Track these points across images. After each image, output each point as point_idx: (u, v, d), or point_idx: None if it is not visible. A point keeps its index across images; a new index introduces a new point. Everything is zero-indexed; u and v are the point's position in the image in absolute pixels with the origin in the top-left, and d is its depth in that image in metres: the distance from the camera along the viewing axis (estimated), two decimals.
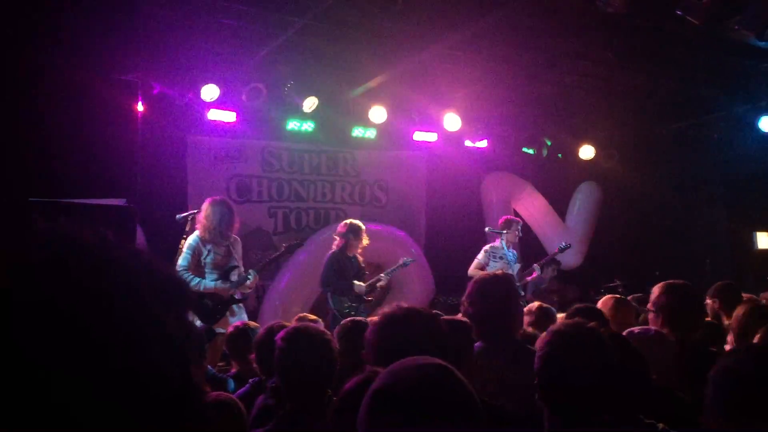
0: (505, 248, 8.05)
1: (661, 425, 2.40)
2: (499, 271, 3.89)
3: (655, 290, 3.66)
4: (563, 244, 8.84)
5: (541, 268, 8.59)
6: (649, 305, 3.74)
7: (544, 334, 2.28)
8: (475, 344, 3.34)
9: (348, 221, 7.37)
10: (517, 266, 8.17)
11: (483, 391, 2.67)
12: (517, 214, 10.69)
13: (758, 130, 9.22)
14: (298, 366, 2.70)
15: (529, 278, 8.38)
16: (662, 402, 2.59)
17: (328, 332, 3.44)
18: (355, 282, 7.10)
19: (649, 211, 11.21)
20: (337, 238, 7.26)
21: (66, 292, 0.57)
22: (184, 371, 0.61)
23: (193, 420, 0.61)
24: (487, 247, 8.22)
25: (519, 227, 8.31)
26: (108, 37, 6.28)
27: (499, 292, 3.32)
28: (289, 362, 2.73)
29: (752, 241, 9.51)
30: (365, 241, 7.29)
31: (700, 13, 5.56)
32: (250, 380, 3.70)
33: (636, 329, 3.14)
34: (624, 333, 3.07)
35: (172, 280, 0.66)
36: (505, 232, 8.11)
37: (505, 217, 8.49)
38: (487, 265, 8.10)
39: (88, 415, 0.54)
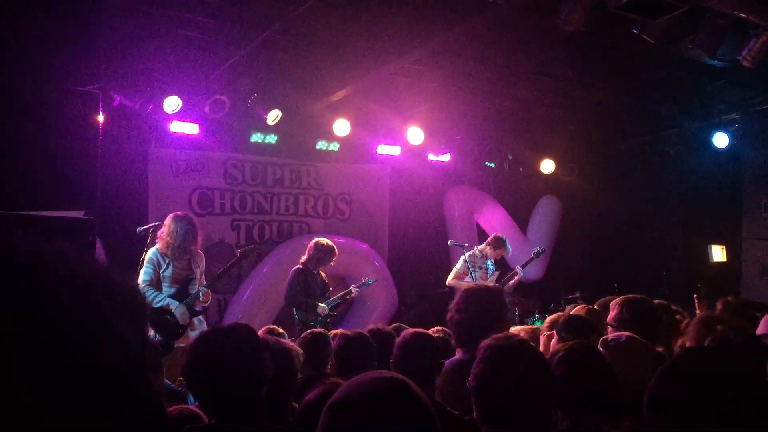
0: (480, 258, 8.23)
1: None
2: (489, 284, 3.96)
3: (614, 306, 3.73)
4: (539, 248, 8.95)
5: (522, 273, 8.64)
6: (609, 320, 3.80)
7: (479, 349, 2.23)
8: (456, 355, 3.36)
9: (321, 241, 7.29)
10: (495, 274, 8.28)
11: (460, 404, 2.68)
12: (479, 227, 10.82)
13: (712, 146, 9.49)
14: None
15: (512, 282, 8.42)
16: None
17: (290, 343, 3.44)
18: (319, 304, 7.08)
19: (607, 225, 11.43)
20: (305, 255, 7.22)
21: (21, 301, 0.58)
22: (143, 378, 0.62)
23: (154, 425, 0.62)
24: (465, 256, 8.27)
25: (507, 248, 8.44)
26: (68, 48, 6.20)
27: (489, 304, 3.36)
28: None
29: (707, 254, 9.75)
30: (332, 264, 7.27)
31: (655, 33, 5.72)
32: None
33: (609, 336, 3.17)
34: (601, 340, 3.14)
35: (129, 290, 0.67)
36: (488, 247, 8.26)
37: (496, 235, 8.56)
38: (466, 274, 8.19)
39: (43, 418, 0.55)
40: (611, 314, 3.76)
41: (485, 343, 2.22)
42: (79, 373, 0.57)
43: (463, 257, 8.30)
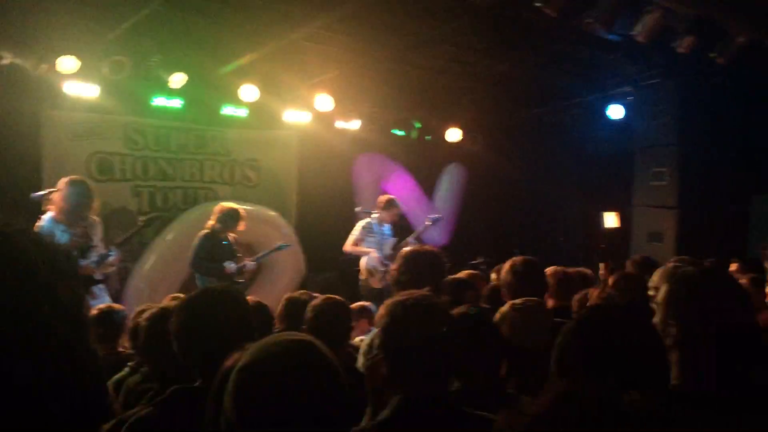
0: (377, 225, 8.31)
1: (525, 398, 2.55)
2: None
3: (505, 266, 3.92)
4: (434, 216, 9.15)
5: (416, 241, 8.81)
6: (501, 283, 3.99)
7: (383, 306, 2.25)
8: None
9: (227, 206, 7.18)
10: (391, 240, 8.40)
11: None
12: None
13: (607, 117, 9.94)
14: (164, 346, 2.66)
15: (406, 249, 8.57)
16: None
17: None
18: (226, 264, 6.98)
19: (510, 192, 11.82)
20: (212, 220, 7.10)
21: None
22: (83, 339, 0.63)
23: (93, 380, 0.64)
24: (363, 223, 8.40)
25: (398, 208, 8.53)
26: None
27: (429, 266, 3.50)
28: (154, 343, 2.68)
29: (601, 220, 10.26)
30: (241, 228, 7.18)
31: (556, 6, 5.92)
32: (129, 364, 3.59)
33: (519, 300, 3.33)
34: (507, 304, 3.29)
35: (63, 256, 0.68)
36: (379, 211, 8.35)
37: (386, 197, 8.65)
38: (363, 240, 8.33)
39: None
40: (503, 277, 3.94)
41: (392, 299, 2.24)
42: (20, 336, 0.57)
43: (360, 224, 8.43)
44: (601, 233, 10.20)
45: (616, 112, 9.86)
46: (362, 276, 8.29)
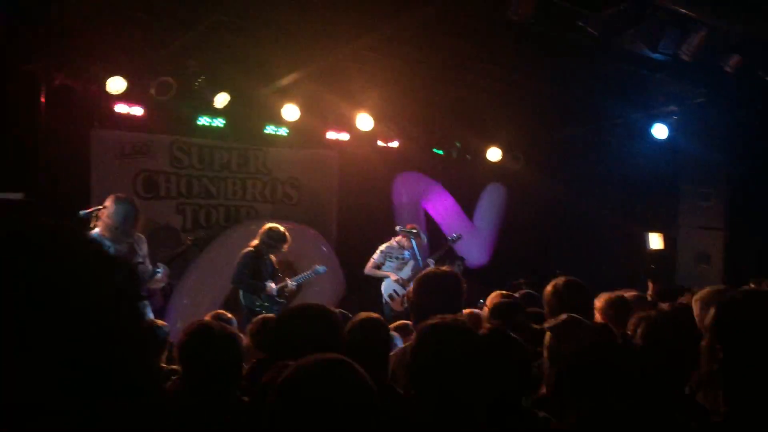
0: (397, 248, 8.37)
1: (542, 413, 2.52)
2: (446, 267, 4.05)
3: (547, 288, 3.86)
4: (454, 234, 9.11)
5: (436, 262, 8.73)
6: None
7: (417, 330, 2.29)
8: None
9: (272, 226, 7.27)
10: (411, 263, 8.39)
11: None
12: (426, 214, 10.94)
13: (651, 137, 9.78)
14: (199, 361, 2.70)
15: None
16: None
17: (233, 329, 3.44)
18: (267, 283, 7.08)
19: (551, 212, 11.68)
20: (257, 239, 7.19)
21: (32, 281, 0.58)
22: (146, 358, 0.62)
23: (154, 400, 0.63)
24: (383, 246, 8.46)
25: (422, 237, 8.54)
26: (9, 26, 6.00)
27: (444, 289, 3.47)
28: (190, 356, 2.72)
29: (645, 241, 10.07)
30: (283, 250, 7.27)
31: (599, 25, 5.87)
32: (173, 378, 3.64)
33: (561, 317, 3.27)
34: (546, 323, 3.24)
35: (125, 270, 0.67)
36: (403, 239, 8.40)
37: (410, 226, 8.68)
38: (383, 264, 8.38)
39: (49, 393, 0.55)
40: (544, 294, 3.88)
41: (423, 323, 2.27)
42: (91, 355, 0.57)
43: (380, 248, 8.47)
44: (645, 254, 10.00)
45: (660, 131, 9.70)
46: (384, 299, 8.36)
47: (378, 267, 8.45)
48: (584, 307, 3.82)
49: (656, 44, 6.18)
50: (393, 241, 8.50)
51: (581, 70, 8.29)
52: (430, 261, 8.55)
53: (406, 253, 8.47)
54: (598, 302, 4.10)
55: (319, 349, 2.20)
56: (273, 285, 7.13)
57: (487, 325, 3.26)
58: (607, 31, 5.97)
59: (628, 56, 7.36)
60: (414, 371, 2.17)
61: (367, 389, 1.54)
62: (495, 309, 3.85)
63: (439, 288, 3.50)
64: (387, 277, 8.31)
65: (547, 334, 3.14)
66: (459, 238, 9.09)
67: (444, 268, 4.08)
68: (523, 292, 4.90)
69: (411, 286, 3.72)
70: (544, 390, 2.98)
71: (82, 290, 0.60)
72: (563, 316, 3.19)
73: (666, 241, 9.85)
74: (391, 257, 8.42)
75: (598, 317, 4.10)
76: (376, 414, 1.54)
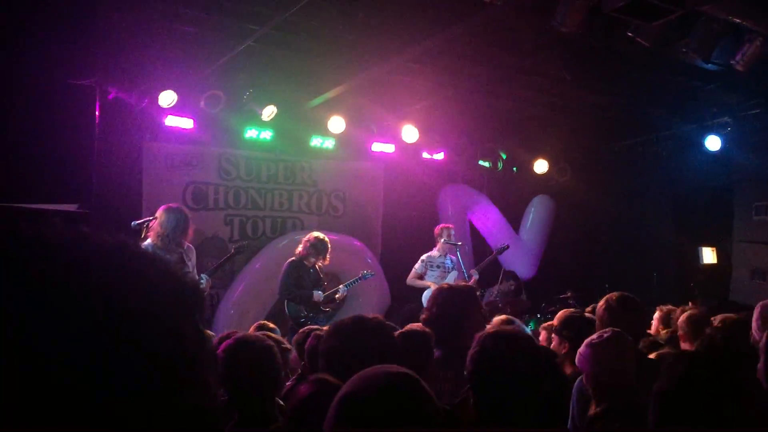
0: (438, 257, 8.25)
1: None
2: (461, 282, 4.04)
3: (600, 303, 3.79)
4: (501, 245, 8.98)
5: (479, 273, 8.60)
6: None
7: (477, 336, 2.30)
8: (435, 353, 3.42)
9: (317, 236, 7.32)
10: (454, 273, 8.30)
11: (438, 400, 2.72)
12: (472, 227, 10.86)
13: (704, 149, 9.55)
14: (239, 375, 2.70)
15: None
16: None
17: (270, 341, 3.45)
18: (315, 291, 7.13)
19: (599, 225, 11.49)
20: (300, 248, 7.25)
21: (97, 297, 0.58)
22: (199, 375, 0.61)
23: (210, 422, 0.62)
24: (423, 256, 8.38)
25: (450, 233, 8.42)
26: (65, 42, 6.20)
27: (457, 303, 3.43)
28: (230, 372, 2.72)
29: (697, 256, 9.82)
30: (327, 259, 7.31)
31: (650, 36, 5.77)
32: None
33: (595, 336, 3.21)
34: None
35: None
36: (439, 240, 8.32)
37: (440, 225, 8.62)
38: (425, 274, 8.29)
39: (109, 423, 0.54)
40: (597, 308, 3.82)
41: (481, 333, 2.27)
42: (142, 373, 0.56)
43: (421, 257, 8.39)
44: (698, 269, 9.75)
45: (713, 143, 9.46)
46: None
47: (420, 277, 8.33)
48: (638, 322, 3.74)
49: (709, 54, 6.04)
50: (434, 250, 8.40)
51: (631, 81, 8.16)
52: (474, 272, 8.47)
53: (448, 262, 8.38)
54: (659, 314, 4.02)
55: (376, 361, 2.20)
56: (320, 293, 7.16)
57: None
58: (658, 41, 5.85)
59: (679, 67, 7.22)
60: (475, 379, 2.16)
61: (432, 402, 1.54)
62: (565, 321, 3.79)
63: (449, 303, 3.47)
64: (428, 287, 8.25)
65: (589, 350, 3.08)
66: (506, 248, 8.96)
67: (461, 282, 4.08)
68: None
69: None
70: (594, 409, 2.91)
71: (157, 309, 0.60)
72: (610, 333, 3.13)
73: (719, 255, 9.58)
74: (432, 266, 8.30)
75: (655, 327, 4.02)
76: (441, 426, 1.53)
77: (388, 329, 2.62)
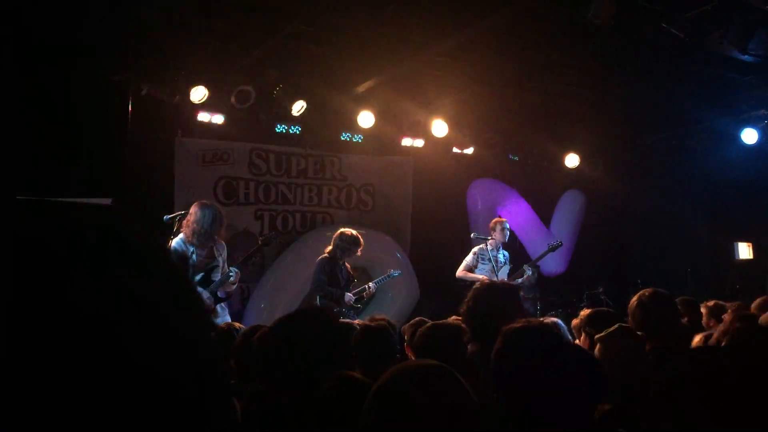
0: (491, 251, 8.14)
1: (621, 431, 2.43)
2: (501, 279, 4.03)
3: (633, 299, 3.74)
4: (554, 241, 8.85)
5: (531, 269, 8.55)
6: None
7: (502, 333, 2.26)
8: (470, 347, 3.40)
9: (347, 232, 7.33)
10: (506, 268, 8.22)
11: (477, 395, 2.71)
12: None
13: (740, 142, 9.36)
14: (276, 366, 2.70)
15: (520, 280, 8.30)
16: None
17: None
18: (346, 293, 7.18)
19: (631, 220, 11.34)
20: (331, 245, 7.28)
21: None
22: (217, 374, 0.64)
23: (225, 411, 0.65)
24: (476, 249, 8.29)
25: (504, 226, 8.34)
26: (98, 38, 6.29)
27: (493, 300, 3.41)
28: (267, 363, 2.73)
29: (733, 251, 9.64)
30: (357, 254, 7.32)
31: (684, 27, 5.66)
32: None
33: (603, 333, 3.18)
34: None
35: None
36: (492, 235, 8.22)
37: (495, 219, 8.54)
38: (476, 267, 8.18)
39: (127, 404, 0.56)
40: (629, 304, 3.77)
41: (505, 327, 2.25)
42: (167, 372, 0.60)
43: (473, 250, 8.29)
44: (733, 264, 9.57)
45: (750, 136, 9.27)
46: None
47: (470, 270, 8.18)
48: (671, 319, 3.68)
49: (745, 45, 5.92)
50: (485, 244, 8.23)
51: (665, 73, 8.02)
52: (526, 267, 8.39)
53: (501, 256, 8.27)
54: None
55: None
56: (350, 295, 7.21)
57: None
58: (693, 32, 5.75)
59: (715, 58, 7.08)
60: (499, 374, 2.14)
61: (469, 395, 1.53)
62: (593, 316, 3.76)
63: (487, 300, 3.45)
64: (478, 281, 8.14)
65: (597, 346, 3.06)
66: (560, 245, 8.79)
67: (500, 280, 4.05)
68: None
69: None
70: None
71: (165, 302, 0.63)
72: (615, 327, 3.10)
73: (755, 251, 9.39)
74: (483, 259, 8.15)
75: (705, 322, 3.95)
76: (478, 421, 1.53)
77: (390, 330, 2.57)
